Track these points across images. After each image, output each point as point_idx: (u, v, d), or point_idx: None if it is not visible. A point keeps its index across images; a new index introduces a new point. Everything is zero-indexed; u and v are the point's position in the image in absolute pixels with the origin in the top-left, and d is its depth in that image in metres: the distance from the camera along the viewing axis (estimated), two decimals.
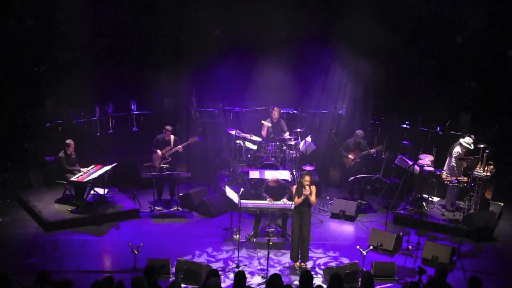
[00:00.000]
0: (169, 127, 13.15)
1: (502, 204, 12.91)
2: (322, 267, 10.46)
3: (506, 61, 14.61)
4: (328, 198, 13.41)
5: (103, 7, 14.54)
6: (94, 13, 14.42)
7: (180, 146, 13.04)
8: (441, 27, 14.82)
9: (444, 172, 12.43)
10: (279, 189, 11.51)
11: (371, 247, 10.43)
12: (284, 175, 12.37)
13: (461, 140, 12.32)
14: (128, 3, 15.26)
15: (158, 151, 12.98)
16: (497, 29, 14.48)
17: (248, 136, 13.88)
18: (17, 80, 14.01)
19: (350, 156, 13.46)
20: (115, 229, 11.75)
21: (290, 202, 10.83)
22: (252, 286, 9.33)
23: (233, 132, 13.87)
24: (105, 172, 12.36)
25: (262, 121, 14.10)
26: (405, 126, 15.53)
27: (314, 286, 7.75)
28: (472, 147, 12.26)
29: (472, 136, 12.67)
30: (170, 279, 9.64)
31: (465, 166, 12.50)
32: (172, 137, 13.14)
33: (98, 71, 14.69)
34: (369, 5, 14.78)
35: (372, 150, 13.32)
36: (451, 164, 12.40)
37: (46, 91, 14.61)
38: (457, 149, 12.36)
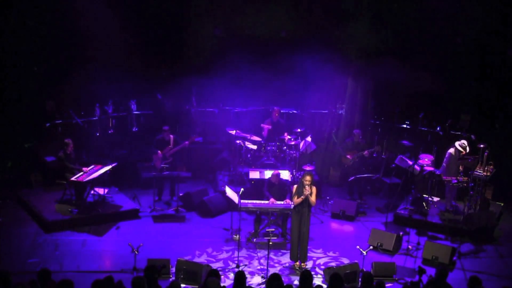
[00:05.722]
0: (166, 127, 13.16)
1: (502, 204, 12.91)
2: (322, 267, 10.46)
3: (506, 61, 14.61)
4: (328, 198, 13.41)
5: (102, 8, 14.53)
6: (94, 14, 14.41)
7: (186, 142, 13.05)
8: (441, 27, 14.81)
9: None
10: (280, 188, 11.52)
11: (371, 247, 10.44)
12: (284, 175, 12.38)
13: (456, 143, 12.32)
14: (128, 3, 15.26)
15: (159, 152, 12.97)
16: (497, 29, 14.47)
17: (248, 136, 13.89)
18: (17, 80, 13.99)
19: (348, 156, 13.50)
20: (115, 229, 11.75)
21: (290, 202, 10.84)
22: (252, 286, 9.33)
23: (233, 132, 13.89)
24: (105, 172, 12.36)
25: (262, 125, 14.14)
26: (405, 126, 15.54)
27: (314, 286, 7.75)
28: (467, 150, 12.23)
29: (472, 136, 12.67)
30: (170, 279, 9.65)
31: (461, 168, 12.46)
32: (171, 136, 13.15)
33: (98, 71, 14.69)
34: (369, 6, 14.79)
35: (365, 153, 13.33)
36: (443, 164, 12.42)
37: (46, 91, 14.60)
38: (450, 151, 12.37)
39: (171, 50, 15.86)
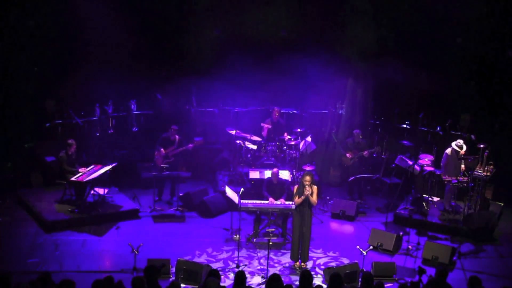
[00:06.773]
0: (175, 127, 13.14)
1: (502, 204, 12.90)
2: (322, 267, 10.46)
3: (506, 61, 14.61)
4: (328, 198, 13.41)
5: (102, 8, 14.53)
6: (94, 14, 14.41)
7: (190, 145, 13.04)
8: (441, 27, 14.81)
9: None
10: (279, 187, 11.52)
11: (371, 247, 10.44)
12: (284, 175, 12.38)
13: (453, 143, 12.33)
14: (128, 4, 15.26)
15: (162, 149, 12.96)
16: (497, 28, 14.47)
17: (248, 136, 13.89)
18: (17, 80, 14.00)
19: (347, 155, 13.50)
20: (115, 229, 11.75)
21: (290, 202, 10.84)
22: (252, 286, 9.33)
23: (233, 132, 13.89)
24: (105, 172, 12.36)
25: (262, 124, 14.14)
26: (405, 126, 15.54)
27: (314, 286, 7.75)
28: (462, 149, 12.22)
29: (472, 136, 12.68)
30: (170, 279, 9.64)
31: (463, 168, 12.46)
32: (177, 137, 13.14)
33: (98, 71, 14.69)
34: (369, 6, 14.78)
35: (365, 153, 13.33)
36: (442, 164, 12.43)
37: (46, 91, 14.60)
38: (447, 151, 12.37)
39: (171, 50, 15.86)
